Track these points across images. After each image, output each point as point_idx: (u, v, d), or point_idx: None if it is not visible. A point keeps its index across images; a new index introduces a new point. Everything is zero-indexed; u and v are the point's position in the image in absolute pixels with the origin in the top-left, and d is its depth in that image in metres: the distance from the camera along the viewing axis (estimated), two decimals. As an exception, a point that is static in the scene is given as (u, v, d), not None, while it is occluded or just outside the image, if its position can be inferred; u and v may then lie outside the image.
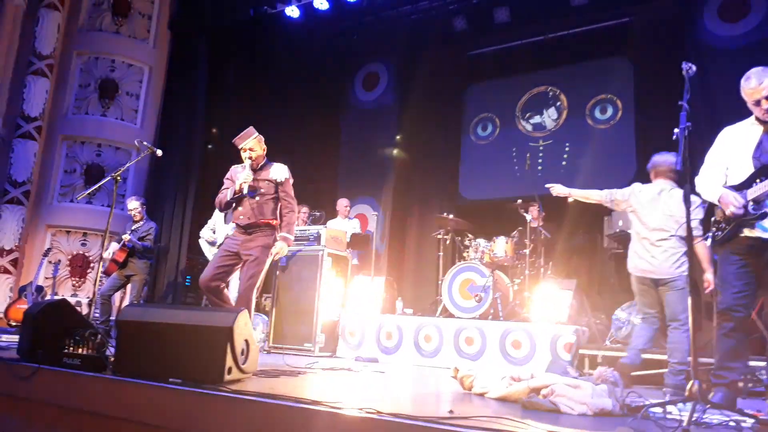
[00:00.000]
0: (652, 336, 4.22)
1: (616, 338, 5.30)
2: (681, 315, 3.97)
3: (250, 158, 4.31)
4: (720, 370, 3.23)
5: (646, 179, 4.50)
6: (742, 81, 3.20)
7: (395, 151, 9.07)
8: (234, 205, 4.37)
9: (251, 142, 4.33)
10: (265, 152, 4.46)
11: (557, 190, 4.53)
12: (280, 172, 4.39)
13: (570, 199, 4.60)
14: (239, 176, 4.33)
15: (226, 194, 4.38)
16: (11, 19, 7.73)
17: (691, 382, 2.72)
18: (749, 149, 3.21)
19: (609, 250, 6.60)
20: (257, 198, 4.30)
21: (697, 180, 3.41)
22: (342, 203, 7.88)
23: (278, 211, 4.44)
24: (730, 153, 3.30)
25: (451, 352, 5.57)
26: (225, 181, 4.46)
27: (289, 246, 4.39)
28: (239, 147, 4.37)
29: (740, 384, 3.60)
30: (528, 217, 6.47)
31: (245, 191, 4.28)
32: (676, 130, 2.99)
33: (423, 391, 3.65)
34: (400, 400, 3.08)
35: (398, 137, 9.12)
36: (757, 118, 3.22)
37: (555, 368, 4.44)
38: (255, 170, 4.35)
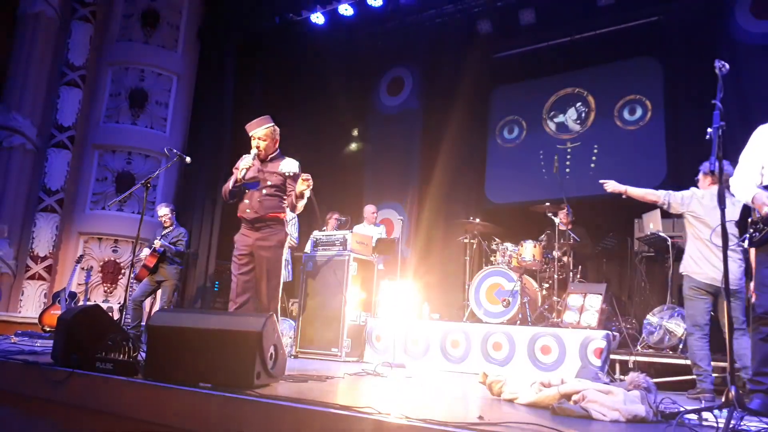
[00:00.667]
0: None
1: (647, 343, 5.19)
2: (743, 322, 3.97)
3: (258, 147, 4.18)
4: (757, 375, 3.15)
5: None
6: None
7: (420, 156, 9.04)
8: (240, 197, 4.24)
9: (261, 131, 4.20)
10: (277, 144, 4.31)
11: (612, 186, 4.43)
12: (290, 165, 4.23)
13: (624, 196, 4.50)
14: (241, 163, 4.20)
15: (228, 184, 4.26)
16: (45, 32, 7.94)
17: (727, 389, 2.65)
18: None
19: (640, 253, 6.49)
20: (264, 191, 4.16)
21: (732, 180, 3.33)
22: (369, 210, 7.89)
23: (285, 206, 4.29)
24: (766, 151, 3.22)
25: (478, 358, 5.52)
26: (233, 170, 4.30)
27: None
28: (249, 134, 4.24)
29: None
30: (556, 220, 6.40)
31: (244, 176, 4.12)
32: (709, 130, 2.92)
33: (451, 397, 3.62)
34: (428, 406, 3.06)
35: (423, 141, 9.10)
36: None
37: (586, 374, 4.36)
38: (263, 161, 4.22)
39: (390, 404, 2.80)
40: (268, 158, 4.25)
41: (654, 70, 7.81)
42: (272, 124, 4.27)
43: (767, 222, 3.09)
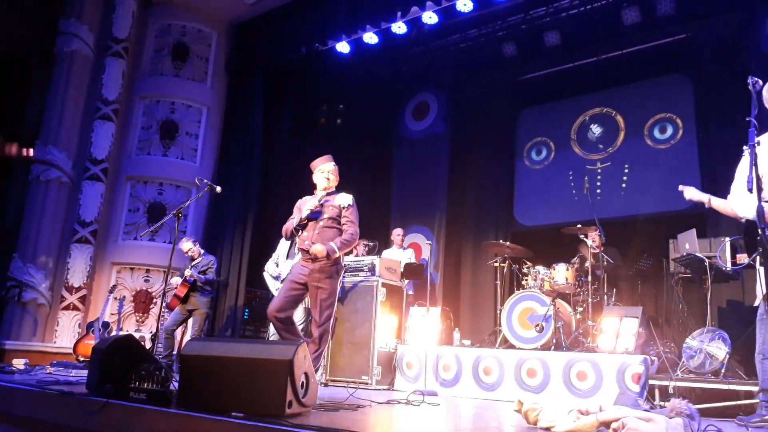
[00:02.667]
0: None
1: (688, 368, 5.02)
2: None
3: (328, 179, 4.58)
4: None
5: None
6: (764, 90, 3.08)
7: (448, 179, 9.02)
8: (299, 232, 4.51)
9: (330, 166, 4.63)
10: (337, 181, 4.68)
11: (690, 193, 3.93)
12: (345, 198, 4.56)
13: (707, 206, 4.16)
14: (306, 205, 4.51)
15: (292, 222, 4.54)
16: (80, 69, 8.19)
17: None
18: None
19: (676, 274, 6.31)
20: (321, 223, 4.41)
21: (729, 198, 3.22)
22: (396, 233, 7.89)
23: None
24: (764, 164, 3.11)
25: (512, 385, 5.41)
26: (294, 210, 4.63)
27: (327, 254, 4.28)
28: (316, 169, 4.61)
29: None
30: (589, 242, 6.29)
31: (307, 216, 4.42)
32: (745, 147, 2.86)
33: (486, 426, 3.53)
34: (463, 435, 2.99)
35: (450, 165, 9.09)
36: None
37: (624, 400, 4.22)
38: (325, 194, 4.55)
39: (424, 434, 2.74)
40: (327, 193, 4.59)
41: (684, 88, 7.71)
42: (333, 161, 4.70)
43: None
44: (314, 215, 4.44)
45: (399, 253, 7.64)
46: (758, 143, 2.88)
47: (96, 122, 8.17)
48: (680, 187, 4.05)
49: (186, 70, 8.72)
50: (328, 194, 4.58)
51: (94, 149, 8.08)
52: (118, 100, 8.34)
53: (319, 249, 4.27)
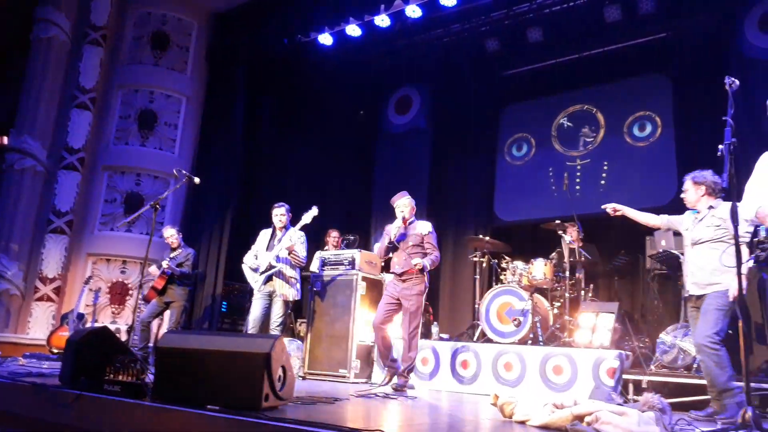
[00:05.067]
0: None
1: (661, 363, 5.10)
2: None
3: (402, 212, 5.19)
4: None
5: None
6: None
7: (429, 174, 9.02)
8: (390, 254, 5.26)
9: (404, 201, 5.24)
10: (413, 212, 5.31)
11: (613, 207, 4.46)
12: (424, 226, 5.23)
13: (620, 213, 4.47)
14: (392, 229, 5.22)
15: (384, 243, 5.29)
16: (57, 56, 8.03)
17: (744, 409, 2.59)
18: None
19: (652, 271, 6.40)
20: (407, 250, 5.12)
21: (740, 206, 3.29)
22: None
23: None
24: None
25: (489, 378, 5.44)
26: (384, 236, 5.34)
27: (424, 266, 5.00)
28: (394, 205, 5.27)
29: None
30: (567, 238, 6.34)
31: (395, 236, 5.16)
32: (720, 147, 2.91)
33: (462, 418, 3.55)
34: (439, 428, 3.00)
35: (432, 160, 9.10)
36: None
37: (598, 394, 4.28)
38: (406, 225, 5.22)
39: (400, 427, 2.75)
40: (408, 223, 5.23)
41: (663, 87, 7.79)
42: (409, 196, 5.32)
43: None
44: (400, 237, 5.17)
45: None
46: (732, 146, 2.92)
47: (72, 111, 8.02)
48: (603, 206, 4.48)
49: (166, 60, 8.59)
50: (411, 223, 5.25)
51: (71, 138, 7.94)
52: (96, 88, 8.20)
53: (418, 261, 4.98)
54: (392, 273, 5.23)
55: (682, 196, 4.18)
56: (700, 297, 3.96)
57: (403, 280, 5.09)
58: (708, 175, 4.03)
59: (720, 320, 3.75)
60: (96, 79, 8.19)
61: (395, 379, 5.01)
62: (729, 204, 3.86)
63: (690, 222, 4.15)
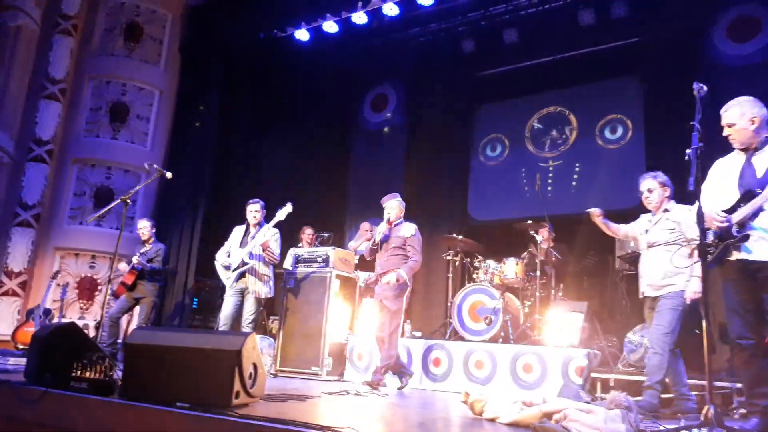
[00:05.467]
0: None
1: (628, 361, 5.20)
2: None
3: (388, 214, 5.21)
4: (751, 398, 3.19)
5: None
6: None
7: (404, 172, 9.05)
8: (375, 255, 5.29)
9: (393, 203, 5.26)
10: (402, 213, 5.31)
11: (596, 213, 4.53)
12: (408, 229, 5.20)
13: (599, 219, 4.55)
14: (377, 229, 5.30)
15: (367, 247, 5.41)
16: (26, 45, 7.83)
17: (706, 407, 2.66)
18: (734, 177, 3.29)
19: (620, 271, 6.52)
20: (389, 251, 5.14)
21: (692, 209, 3.40)
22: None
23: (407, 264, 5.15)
24: (719, 182, 3.33)
25: (460, 376, 5.49)
26: (371, 235, 5.50)
27: (397, 280, 4.99)
28: (383, 205, 5.27)
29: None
30: (538, 238, 6.42)
31: (379, 239, 5.20)
32: (688, 151, 2.98)
33: (433, 416, 3.58)
34: (410, 426, 3.02)
35: (407, 158, 9.12)
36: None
37: (567, 392, 4.35)
38: (391, 227, 5.22)
39: (371, 424, 2.76)
40: (394, 224, 5.23)
41: (635, 90, 7.94)
42: (399, 198, 5.34)
43: (718, 244, 3.15)
44: (384, 238, 5.20)
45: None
46: (699, 150, 3.00)
47: (41, 101, 7.85)
48: (587, 210, 4.56)
49: (139, 52, 8.45)
50: (396, 225, 5.25)
51: (39, 129, 7.77)
52: (66, 79, 8.03)
53: (390, 278, 4.99)
54: (377, 274, 5.28)
55: (644, 197, 4.25)
56: (655, 298, 4.07)
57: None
58: (667, 177, 4.17)
59: (674, 321, 3.91)
60: (66, 70, 8.03)
61: (371, 377, 5.05)
62: (683, 207, 4.02)
63: (645, 225, 4.25)
